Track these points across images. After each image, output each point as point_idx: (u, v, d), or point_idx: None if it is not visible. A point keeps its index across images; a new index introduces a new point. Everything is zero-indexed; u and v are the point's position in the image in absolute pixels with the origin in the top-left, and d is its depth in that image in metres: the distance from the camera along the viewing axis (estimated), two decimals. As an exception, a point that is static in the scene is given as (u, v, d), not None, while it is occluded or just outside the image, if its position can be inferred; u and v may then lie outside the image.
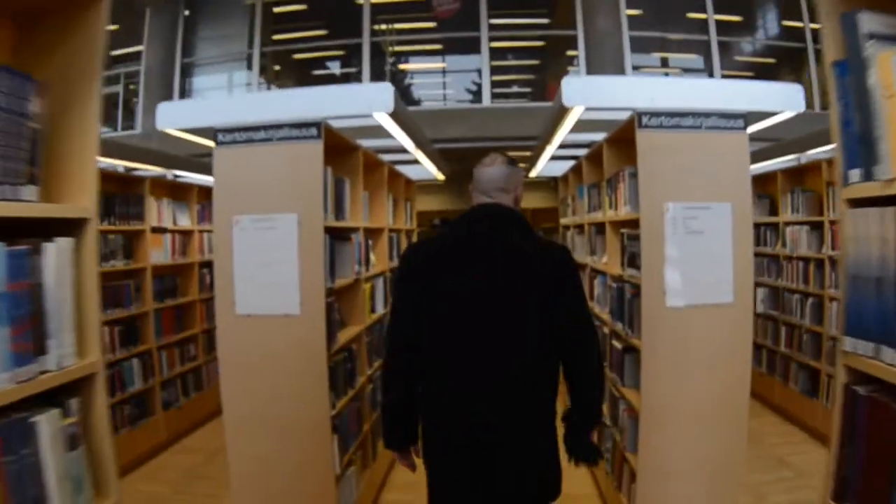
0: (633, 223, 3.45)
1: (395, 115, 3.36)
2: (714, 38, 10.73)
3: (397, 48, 13.06)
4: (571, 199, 5.83)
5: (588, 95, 3.27)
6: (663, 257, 3.22)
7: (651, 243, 3.22)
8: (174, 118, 3.70)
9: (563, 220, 6.66)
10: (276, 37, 12.44)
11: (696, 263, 3.27)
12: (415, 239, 6.70)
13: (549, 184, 17.27)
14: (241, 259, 3.36)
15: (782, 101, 3.59)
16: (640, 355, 3.28)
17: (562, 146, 4.91)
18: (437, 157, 6.45)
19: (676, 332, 3.27)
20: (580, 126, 4.23)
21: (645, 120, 3.26)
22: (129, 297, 5.69)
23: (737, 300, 3.33)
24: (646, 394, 3.30)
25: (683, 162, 3.29)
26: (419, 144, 4.85)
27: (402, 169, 6.16)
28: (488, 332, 2.11)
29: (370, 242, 4.50)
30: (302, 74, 13.31)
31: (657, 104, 3.30)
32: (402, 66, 15.75)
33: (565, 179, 6.47)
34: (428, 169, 6.58)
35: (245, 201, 3.35)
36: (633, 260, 3.42)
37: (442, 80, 15.17)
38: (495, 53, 12.75)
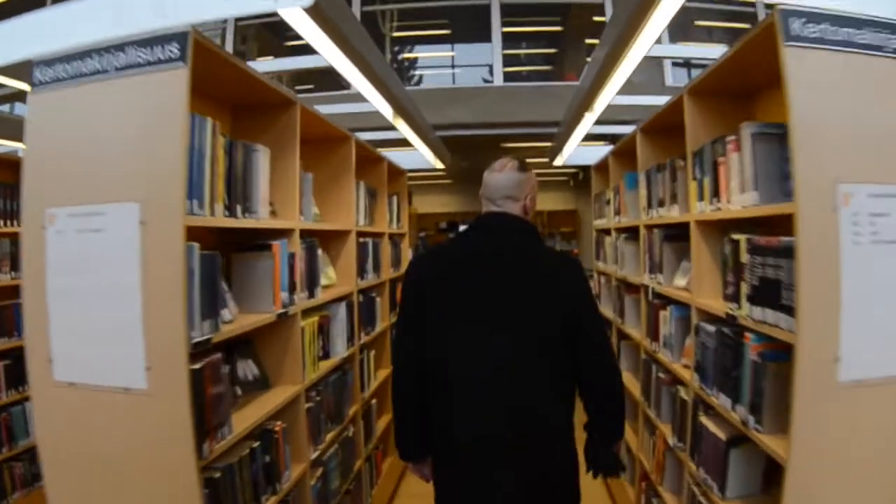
0: (760, 224, 1.94)
1: (319, 15, 1.82)
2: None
3: (397, 34, 11.52)
4: (614, 193, 4.26)
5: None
6: (838, 290, 1.67)
7: (817, 264, 1.67)
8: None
9: (596, 223, 5.08)
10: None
11: (885, 299, 1.73)
12: (407, 246, 5.18)
13: (567, 182, 15.79)
14: (58, 285, 1.87)
15: None
16: (787, 467, 1.74)
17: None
18: (433, 137, 4.91)
19: (847, 424, 1.74)
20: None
21: (795, 27, 1.73)
22: (19, 322, 4.26)
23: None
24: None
25: (860, 109, 1.76)
26: (401, 111, 3.34)
27: (391, 155, 4.66)
28: (495, 350, 2.01)
29: (320, 253, 2.99)
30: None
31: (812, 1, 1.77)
32: (405, 56, 14.34)
33: (601, 168, 4.92)
34: (424, 156, 5.02)
35: (65, 183, 1.88)
36: (770, 293, 1.87)
37: (451, 72, 13.79)
38: (508, 41, 11.32)
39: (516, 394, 1.98)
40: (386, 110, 3.40)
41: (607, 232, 4.55)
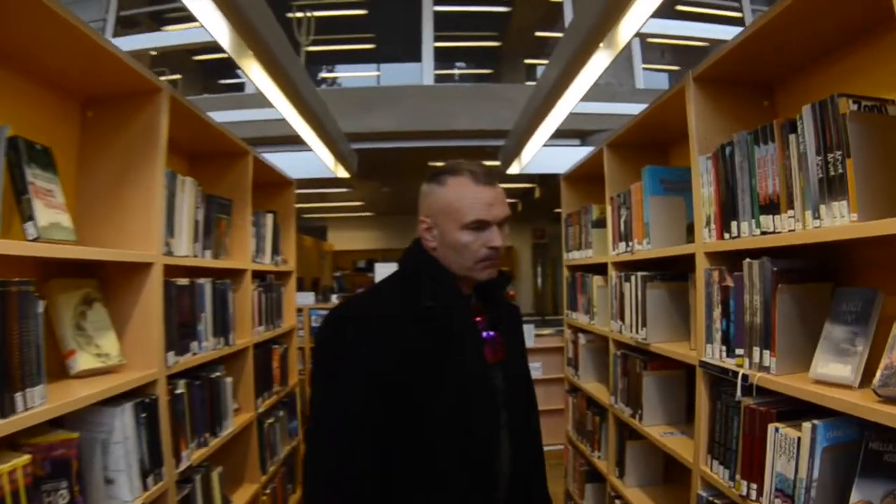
0: None
1: None
2: None
3: (313, 48, 9.92)
4: (615, 207, 2.70)
5: None
6: None
7: None
8: None
9: (570, 258, 3.54)
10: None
11: None
12: (293, 291, 3.55)
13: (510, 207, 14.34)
14: None
15: None
16: None
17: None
18: (332, 128, 3.35)
19: None
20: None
21: None
22: None
23: None
24: None
25: None
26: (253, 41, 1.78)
27: (273, 158, 3.09)
28: None
29: (44, 307, 1.36)
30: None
31: None
32: (323, 76, 12.81)
33: (578, 177, 3.47)
34: (320, 156, 3.45)
35: None
36: None
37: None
38: (441, 59, 10.02)
39: None
40: (222, 36, 1.84)
41: (597, 269, 3.02)
